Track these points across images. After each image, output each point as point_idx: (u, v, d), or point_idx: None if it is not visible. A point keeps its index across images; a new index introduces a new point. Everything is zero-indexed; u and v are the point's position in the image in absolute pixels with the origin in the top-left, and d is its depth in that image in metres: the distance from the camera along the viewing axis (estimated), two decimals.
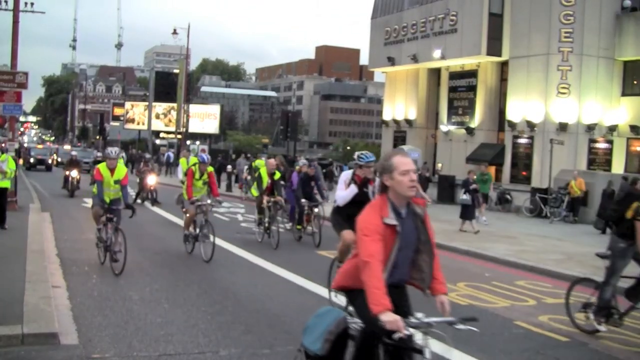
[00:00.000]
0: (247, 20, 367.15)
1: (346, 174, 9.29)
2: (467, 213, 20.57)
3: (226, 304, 9.57)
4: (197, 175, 13.90)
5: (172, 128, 59.47)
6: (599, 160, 35.44)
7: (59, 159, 57.48)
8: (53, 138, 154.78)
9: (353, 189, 8.99)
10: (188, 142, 58.26)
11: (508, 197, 30.81)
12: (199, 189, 14.03)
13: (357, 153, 9.32)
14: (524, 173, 36.47)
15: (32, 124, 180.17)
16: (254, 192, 17.33)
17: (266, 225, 15.98)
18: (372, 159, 9.00)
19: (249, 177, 33.01)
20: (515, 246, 17.28)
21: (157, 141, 66.75)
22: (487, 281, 12.46)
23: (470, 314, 7.65)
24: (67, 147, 77.15)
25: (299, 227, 17.28)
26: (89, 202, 24.53)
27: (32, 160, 51.67)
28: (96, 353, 7.00)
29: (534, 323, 9.36)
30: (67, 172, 28.05)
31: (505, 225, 23.59)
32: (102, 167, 11.89)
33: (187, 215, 13.91)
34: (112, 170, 11.80)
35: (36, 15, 27.52)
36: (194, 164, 14.26)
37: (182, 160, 20.72)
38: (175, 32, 51.45)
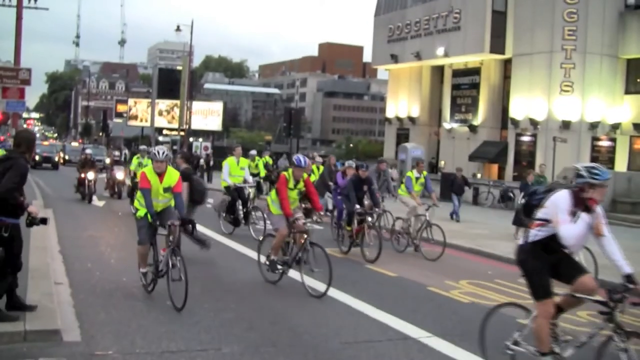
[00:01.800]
0: (251, 17, 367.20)
1: (563, 198, 6.22)
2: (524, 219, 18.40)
3: (229, 301, 9.57)
4: (291, 184, 10.78)
5: (175, 125, 59.44)
6: (602, 158, 35.41)
7: (67, 157, 55.80)
8: (56, 135, 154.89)
9: (585, 220, 6.19)
10: (191, 139, 58.26)
11: (511, 194, 30.77)
12: (292, 202, 10.94)
13: (583, 165, 6.28)
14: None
15: (35, 121, 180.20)
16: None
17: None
18: (609, 177, 6.27)
19: None
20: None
21: (160, 138, 66.65)
22: (489, 279, 12.44)
23: (473, 313, 7.67)
24: (74, 143, 73.74)
25: (349, 227, 14.34)
26: (93, 199, 24.41)
27: (37, 157, 47.34)
28: (99, 350, 7.00)
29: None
30: (82, 175, 23.85)
31: (508, 223, 23.56)
32: (148, 171, 9.58)
33: (277, 236, 10.81)
34: (160, 176, 9.49)
35: (39, 11, 27.57)
36: (284, 169, 11.41)
37: (231, 160, 17.06)
38: (178, 29, 51.39)
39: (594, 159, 35.15)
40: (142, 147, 23.64)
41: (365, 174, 14.65)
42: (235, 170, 16.88)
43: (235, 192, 16.65)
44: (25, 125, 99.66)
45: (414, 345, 7.82)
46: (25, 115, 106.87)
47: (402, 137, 46.48)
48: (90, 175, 23.58)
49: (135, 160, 21.24)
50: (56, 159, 50.21)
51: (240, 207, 16.63)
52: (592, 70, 34.65)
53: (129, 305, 8.98)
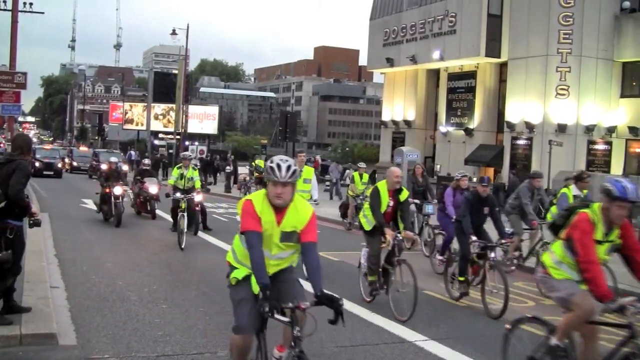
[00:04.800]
0: (246, 21, 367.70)
1: None
2: None
3: (225, 305, 9.53)
4: (599, 233, 5.88)
5: (171, 129, 59.43)
6: (597, 162, 35.46)
7: (74, 164, 49.48)
8: (52, 139, 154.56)
9: None
10: (187, 143, 58.24)
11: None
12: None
13: None
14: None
15: (31, 125, 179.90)
16: (365, 223, 10.16)
17: (380, 279, 9.83)
18: None
19: (247, 179, 33.01)
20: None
21: (156, 142, 66.58)
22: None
23: (469, 317, 7.69)
24: (83, 148, 64.51)
25: (461, 278, 10.50)
26: (88, 202, 24.11)
27: (37, 164, 39.25)
28: (94, 353, 6.99)
29: (532, 325, 9.33)
30: (107, 189, 18.81)
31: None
32: (257, 201, 5.31)
33: (576, 312, 5.99)
34: (279, 211, 5.30)
35: (35, 15, 27.55)
36: (581, 204, 6.15)
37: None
38: (174, 33, 51.42)
39: (589, 163, 35.20)
40: (186, 153, 18.32)
41: (487, 191, 10.76)
42: (297, 183, 13.43)
43: None
44: (20, 129, 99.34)
45: (410, 349, 7.82)
46: (20, 119, 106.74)
47: (398, 140, 46.52)
48: (117, 190, 18.59)
49: (175, 172, 16.95)
50: (59, 165, 43.23)
51: None
52: (587, 73, 34.71)
53: (124, 308, 8.96)
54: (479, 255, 10.30)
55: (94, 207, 20.28)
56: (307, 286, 5.44)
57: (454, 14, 39.84)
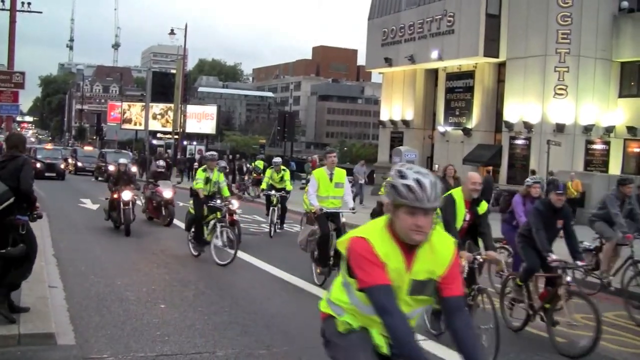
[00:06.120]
0: (245, 21, 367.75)
1: None
2: None
3: (223, 305, 9.56)
4: None
5: (169, 128, 59.46)
6: (595, 162, 35.45)
7: (79, 164, 47.08)
8: (50, 138, 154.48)
9: None
10: (185, 143, 58.19)
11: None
12: None
13: None
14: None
15: (29, 124, 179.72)
16: None
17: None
18: None
19: (246, 178, 33.04)
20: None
21: (154, 141, 66.54)
22: (484, 282, 12.42)
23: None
24: (88, 147, 61.39)
25: (520, 282, 9.06)
26: (86, 202, 24.05)
27: (38, 165, 33.15)
28: (93, 353, 6.99)
29: (531, 324, 9.34)
30: (115, 194, 16.79)
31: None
32: (375, 236, 3.48)
33: None
34: (408, 251, 3.49)
35: (33, 15, 27.50)
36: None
37: (320, 173, 11.45)
38: (172, 32, 51.49)
39: (587, 163, 35.19)
40: (210, 153, 15.58)
41: (562, 201, 8.70)
42: (327, 188, 11.20)
43: (325, 221, 11.00)
44: (19, 129, 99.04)
45: None
46: (19, 118, 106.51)
47: (396, 140, 46.46)
48: (127, 194, 16.46)
49: (200, 174, 13.99)
50: (62, 166, 40.53)
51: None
52: (586, 73, 34.67)
53: (123, 308, 8.96)
54: (551, 280, 8.52)
55: (93, 207, 20.18)
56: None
57: (452, 14, 39.82)
